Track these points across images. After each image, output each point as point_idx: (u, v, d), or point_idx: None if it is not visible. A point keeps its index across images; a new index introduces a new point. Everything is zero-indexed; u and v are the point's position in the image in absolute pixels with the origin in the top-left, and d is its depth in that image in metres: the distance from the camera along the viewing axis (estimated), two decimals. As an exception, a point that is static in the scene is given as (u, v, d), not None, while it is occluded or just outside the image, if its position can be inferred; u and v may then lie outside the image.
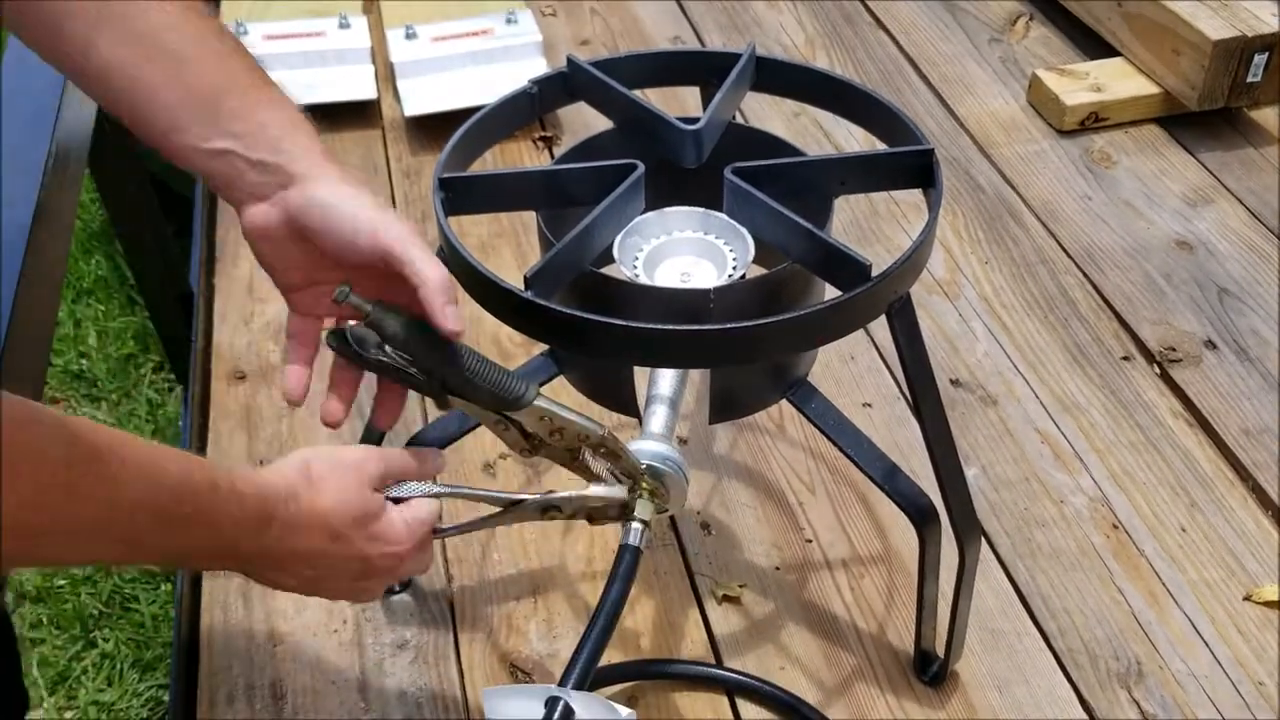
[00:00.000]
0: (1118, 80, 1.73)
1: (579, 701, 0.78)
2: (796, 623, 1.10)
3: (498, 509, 0.88)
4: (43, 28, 0.75)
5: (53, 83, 1.39)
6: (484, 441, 1.20)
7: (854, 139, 1.68)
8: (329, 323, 0.86)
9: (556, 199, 0.92)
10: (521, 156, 1.68)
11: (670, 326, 0.78)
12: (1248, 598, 1.12)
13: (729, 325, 0.78)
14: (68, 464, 0.61)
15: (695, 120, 0.93)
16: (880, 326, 0.87)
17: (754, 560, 1.16)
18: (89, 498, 0.62)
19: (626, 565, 0.84)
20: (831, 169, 0.94)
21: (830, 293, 0.83)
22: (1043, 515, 1.20)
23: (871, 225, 1.56)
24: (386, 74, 1.80)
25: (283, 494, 0.75)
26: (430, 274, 0.76)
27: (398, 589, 1.12)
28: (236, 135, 0.76)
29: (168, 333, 2.07)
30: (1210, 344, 1.38)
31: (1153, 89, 1.71)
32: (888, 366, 1.35)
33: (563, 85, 0.99)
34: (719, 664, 1.07)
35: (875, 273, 0.80)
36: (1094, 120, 1.71)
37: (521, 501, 0.87)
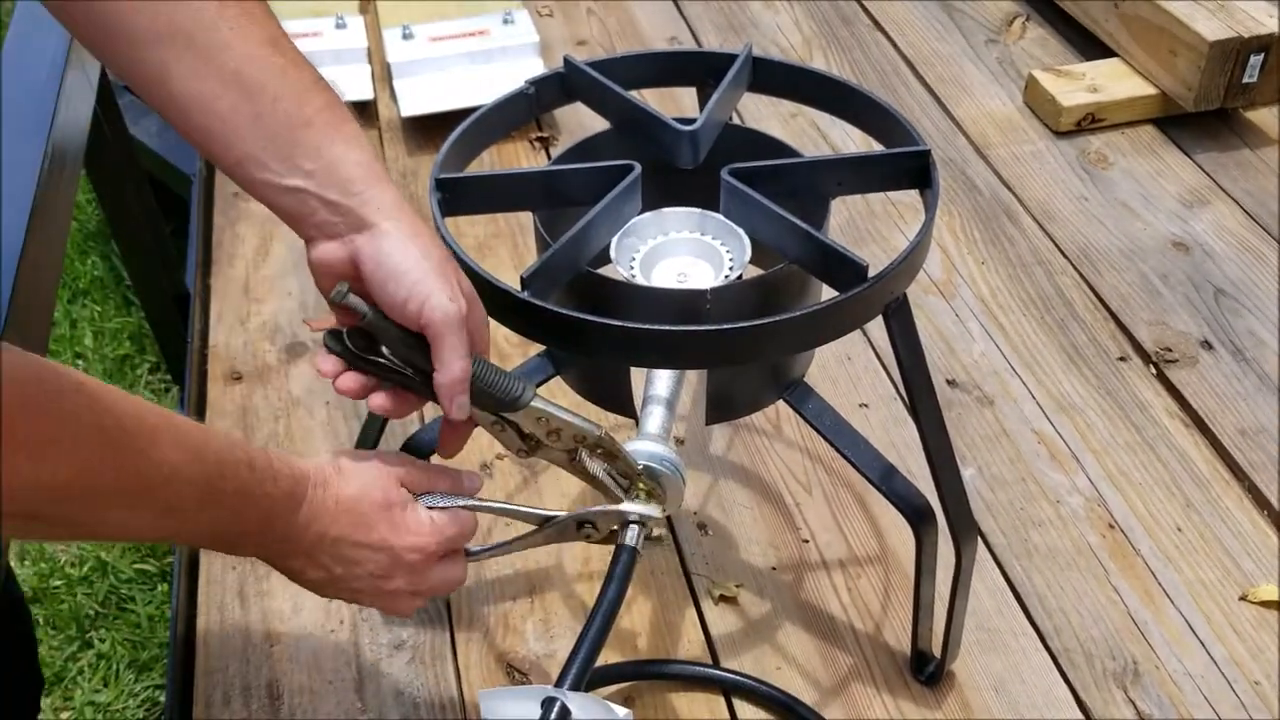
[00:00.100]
0: (1114, 81, 1.74)
1: (576, 702, 0.78)
2: (793, 623, 1.10)
3: (531, 527, 0.88)
4: (119, 53, 0.75)
5: (49, 82, 1.39)
6: (481, 442, 1.20)
7: (851, 140, 1.68)
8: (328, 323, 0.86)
9: (553, 199, 0.92)
10: (518, 157, 1.68)
11: (667, 327, 0.78)
12: (1244, 597, 1.12)
13: (726, 326, 0.78)
14: (120, 433, 0.64)
15: (692, 121, 0.93)
16: (877, 327, 0.87)
17: (751, 560, 1.16)
18: (137, 468, 0.65)
19: (623, 565, 0.84)
20: (828, 170, 0.94)
21: (827, 293, 0.83)
22: (1039, 515, 1.20)
23: (868, 226, 1.56)
24: (383, 74, 1.80)
25: (313, 478, 0.78)
26: (452, 367, 0.76)
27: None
28: (309, 173, 0.76)
29: (164, 333, 2.07)
30: (1206, 344, 1.38)
31: (1149, 90, 1.71)
32: (884, 367, 1.35)
33: (559, 86, 0.99)
34: (716, 664, 1.07)
35: (872, 273, 0.80)
36: (1090, 121, 1.71)
37: (554, 518, 0.87)
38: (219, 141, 0.76)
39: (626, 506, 0.85)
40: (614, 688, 1.05)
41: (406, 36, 1.79)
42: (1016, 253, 1.52)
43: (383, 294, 0.76)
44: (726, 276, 0.88)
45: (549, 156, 1.67)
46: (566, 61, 0.98)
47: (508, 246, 1.52)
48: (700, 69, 1.01)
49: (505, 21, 1.81)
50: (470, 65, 1.77)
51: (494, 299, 0.81)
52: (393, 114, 1.75)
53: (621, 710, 0.81)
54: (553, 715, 0.77)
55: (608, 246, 0.89)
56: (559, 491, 1.20)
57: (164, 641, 1.79)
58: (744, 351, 0.82)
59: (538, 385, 0.84)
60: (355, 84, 1.76)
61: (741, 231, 0.89)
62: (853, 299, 0.80)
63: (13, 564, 1.73)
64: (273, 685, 1.05)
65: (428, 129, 1.71)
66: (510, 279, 0.81)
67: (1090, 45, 1.83)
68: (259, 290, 1.48)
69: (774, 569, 1.15)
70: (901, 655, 1.07)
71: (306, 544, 0.78)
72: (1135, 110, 1.72)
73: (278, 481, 0.75)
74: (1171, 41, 1.65)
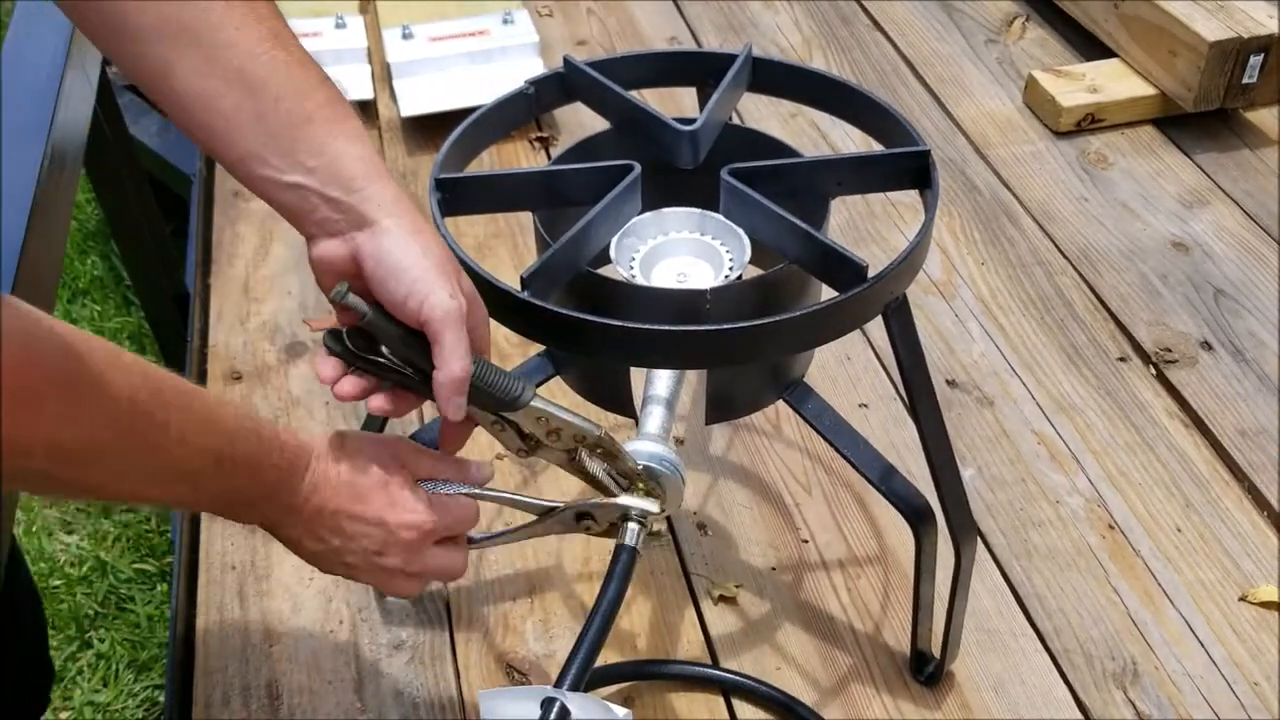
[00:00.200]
0: (1114, 81, 1.74)
1: (575, 702, 0.78)
2: (792, 623, 1.10)
3: (530, 518, 0.88)
4: (123, 49, 0.76)
5: (49, 82, 1.39)
6: (480, 442, 1.19)
7: (851, 140, 1.68)
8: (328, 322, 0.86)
9: (553, 199, 0.92)
10: (518, 157, 1.68)
11: (666, 327, 0.78)
12: (1243, 598, 1.12)
13: (725, 326, 0.78)
14: (132, 396, 0.66)
15: (692, 121, 0.93)
16: (877, 327, 0.87)
17: (750, 560, 1.16)
18: (149, 433, 0.67)
19: (623, 565, 0.84)
20: (828, 170, 0.94)
21: (827, 293, 0.83)
22: (1039, 516, 1.20)
23: (868, 226, 1.56)
24: (383, 74, 1.80)
25: (316, 451, 0.79)
26: (452, 365, 0.76)
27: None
28: (310, 170, 0.76)
29: (164, 333, 2.07)
30: (1206, 345, 1.38)
31: (1149, 90, 1.71)
32: (884, 367, 1.35)
33: (559, 86, 0.99)
34: (715, 664, 1.07)
35: (872, 274, 0.80)
36: (1090, 121, 1.71)
37: (554, 509, 0.87)
38: (221, 139, 0.76)
39: (627, 500, 0.85)
40: (613, 688, 1.05)
41: (406, 36, 1.79)
42: (1016, 253, 1.52)
43: (383, 291, 0.76)
44: (726, 276, 0.88)
45: (549, 156, 1.67)
46: (566, 61, 0.98)
47: (508, 246, 1.52)
48: (700, 69, 1.01)
49: (505, 21, 1.81)
50: (470, 65, 1.77)
51: (494, 299, 0.81)
52: (392, 114, 1.75)
53: (621, 710, 0.81)
54: (552, 715, 0.77)
55: (607, 246, 0.89)
56: (558, 491, 1.20)
57: (163, 641, 1.79)
58: (744, 351, 0.82)
59: (537, 385, 0.84)
60: (355, 84, 1.76)
61: (741, 231, 0.89)
62: (852, 299, 0.80)
63: (12, 564, 1.73)
64: (272, 685, 1.05)
65: (427, 129, 1.70)
66: (510, 279, 0.81)
67: (1090, 45, 1.83)
68: (259, 290, 1.48)
69: (773, 569, 1.15)
70: (901, 655, 1.07)
71: (306, 515, 0.79)
72: (1135, 111, 1.72)
73: (283, 452, 0.77)
74: (1171, 42, 1.65)
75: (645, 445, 0.88)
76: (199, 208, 1.66)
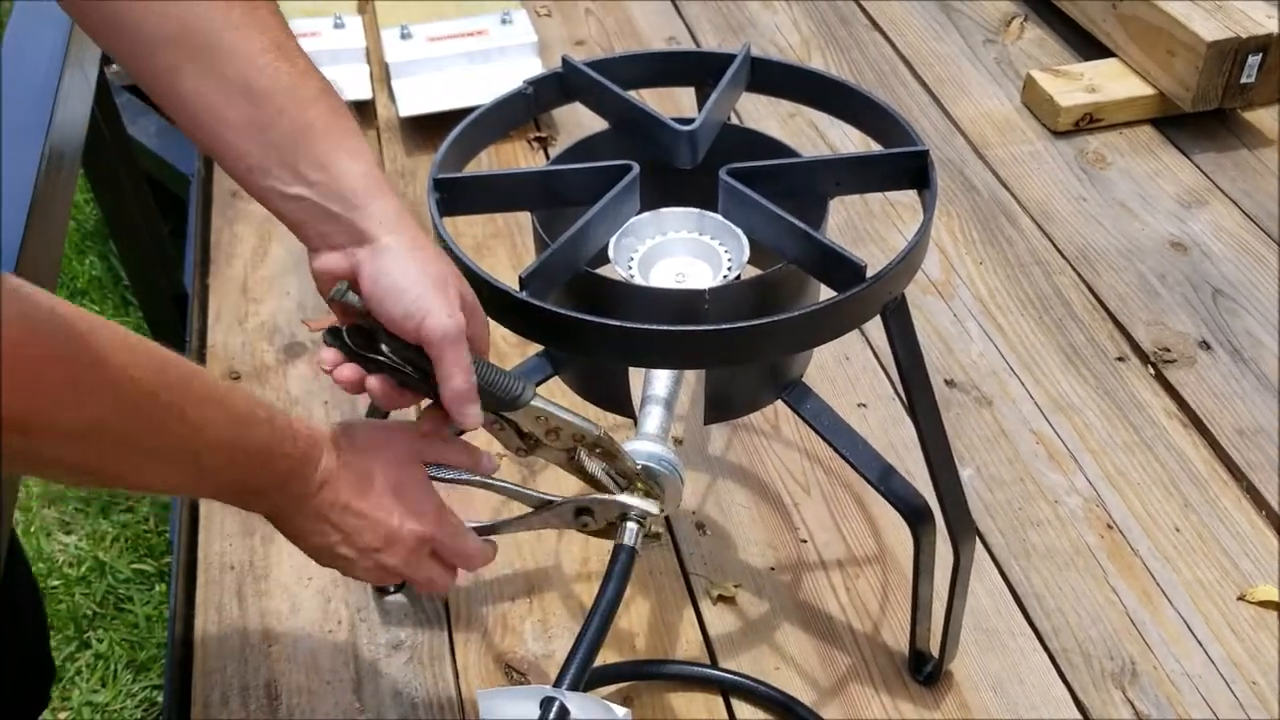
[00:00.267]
0: (1112, 81, 1.74)
1: (574, 702, 0.78)
2: (791, 623, 1.10)
3: (528, 509, 0.88)
4: (131, 54, 0.76)
5: (48, 82, 1.39)
6: (479, 441, 1.19)
7: (849, 140, 1.68)
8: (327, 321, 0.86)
9: (552, 199, 0.92)
10: (517, 157, 1.68)
11: (665, 327, 0.78)
12: (1242, 597, 1.12)
13: (724, 326, 0.78)
14: (148, 385, 0.66)
15: (690, 121, 0.93)
16: (876, 327, 0.87)
17: (749, 560, 1.16)
18: (164, 421, 0.67)
19: (621, 565, 0.84)
20: (826, 170, 0.94)
21: (825, 293, 0.83)
22: (1037, 515, 1.20)
23: (866, 226, 1.56)
24: (381, 74, 1.80)
25: (327, 441, 0.79)
26: (454, 382, 0.77)
27: (392, 590, 1.12)
28: (312, 184, 0.77)
29: (162, 333, 2.06)
30: (1204, 345, 1.38)
31: (1147, 90, 1.72)
32: (883, 367, 1.35)
33: (558, 86, 0.99)
34: (714, 664, 1.07)
35: (870, 274, 0.80)
36: (1088, 121, 1.71)
37: (553, 502, 0.87)
38: (226, 148, 0.77)
39: (626, 498, 0.85)
40: (612, 688, 1.05)
41: (405, 36, 1.79)
42: (1015, 253, 1.52)
43: (381, 310, 0.77)
44: (725, 276, 0.88)
45: (547, 156, 1.67)
46: (565, 61, 0.98)
47: (506, 246, 1.52)
48: (699, 69, 1.01)
49: (503, 21, 1.81)
50: (468, 65, 1.77)
51: (492, 299, 0.81)
52: (391, 114, 1.75)
53: (620, 710, 0.81)
54: (551, 715, 0.77)
55: (606, 246, 0.89)
56: (557, 490, 1.20)
57: (162, 642, 1.79)
58: (742, 351, 0.82)
59: (537, 385, 0.84)
60: (353, 84, 1.76)
61: (740, 231, 0.89)
62: (851, 299, 0.80)
63: (10, 564, 1.73)
64: (271, 685, 1.05)
65: (426, 129, 1.70)
66: (509, 279, 0.81)
67: (1088, 45, 1.83)
68: (257, 290, 1.48)
69: (772, 569, 1.15)
70: (900, 655, 1.07)
71: (315, 506, 0.79)
72: (1133, 110, 1.72)
73: (296, 441, 0.77)
74: (1169, 42, 1.66)
75: (644, 445, 0.88)
76: (197, 208, 1.66)
